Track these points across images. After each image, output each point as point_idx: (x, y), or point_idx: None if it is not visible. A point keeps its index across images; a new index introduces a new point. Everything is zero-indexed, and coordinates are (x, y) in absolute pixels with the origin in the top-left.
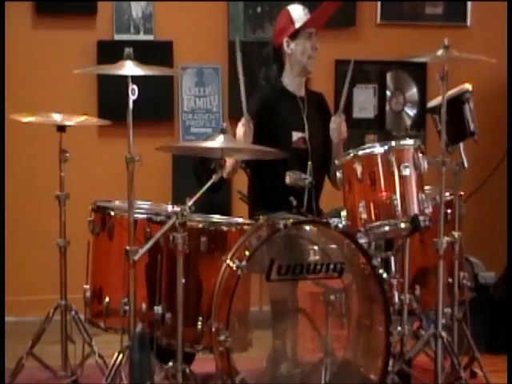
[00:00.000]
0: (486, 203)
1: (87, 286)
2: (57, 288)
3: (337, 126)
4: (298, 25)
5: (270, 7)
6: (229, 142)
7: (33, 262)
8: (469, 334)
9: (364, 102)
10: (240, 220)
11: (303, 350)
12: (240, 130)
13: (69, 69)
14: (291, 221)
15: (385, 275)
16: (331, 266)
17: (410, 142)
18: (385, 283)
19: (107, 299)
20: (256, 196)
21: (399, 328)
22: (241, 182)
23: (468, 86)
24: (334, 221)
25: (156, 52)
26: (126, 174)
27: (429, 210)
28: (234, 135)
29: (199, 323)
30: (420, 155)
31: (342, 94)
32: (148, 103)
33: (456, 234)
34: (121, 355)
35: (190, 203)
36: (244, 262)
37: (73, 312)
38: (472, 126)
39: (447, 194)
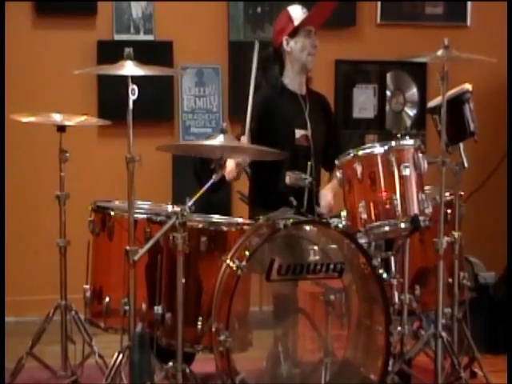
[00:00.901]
0: (485, 203)
1: (87, 286)
2: (57, 288)
3: (326, 203)
4: (296, 22)
5: (270, 7)
6: (229, 141)
7: (33, 262)
8: (469, 334)
9: (364, 102)
10: (240, 220)
11: (303, 349)
12: (231, 162)
13: (69, 69)
14: (291, 221)
15: (385, 275)
16: (331, 266)
17: (410, 141)
18: (385, 283)
19: (107, 299)
20: (256, 196)
21: (399, 328)
22: (241, 182)
23: (468, 86)
24: (333, 221)
25: (156, 52)
26: (126, 174)
27: (429, 210)
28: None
29: (199, 323)
30: (420, 155)
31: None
32: (148, 103)
33: (456, 234)
34: (121, 355)
35: (190, 203)
36: (244, 262)
37: (73, 312)
38: (472, 126)
39: (447, 194)
